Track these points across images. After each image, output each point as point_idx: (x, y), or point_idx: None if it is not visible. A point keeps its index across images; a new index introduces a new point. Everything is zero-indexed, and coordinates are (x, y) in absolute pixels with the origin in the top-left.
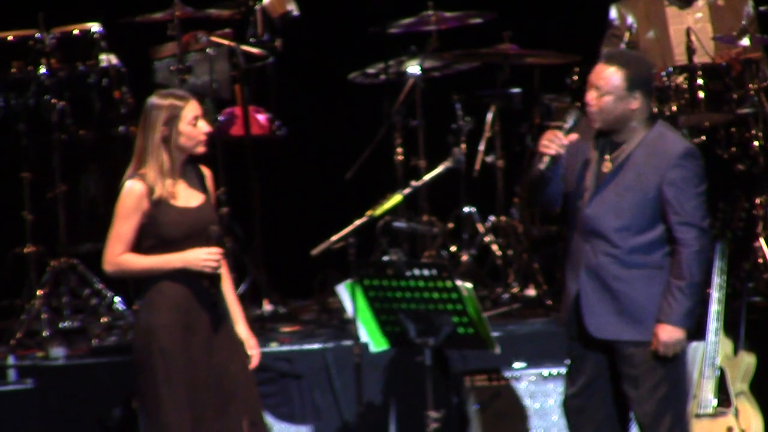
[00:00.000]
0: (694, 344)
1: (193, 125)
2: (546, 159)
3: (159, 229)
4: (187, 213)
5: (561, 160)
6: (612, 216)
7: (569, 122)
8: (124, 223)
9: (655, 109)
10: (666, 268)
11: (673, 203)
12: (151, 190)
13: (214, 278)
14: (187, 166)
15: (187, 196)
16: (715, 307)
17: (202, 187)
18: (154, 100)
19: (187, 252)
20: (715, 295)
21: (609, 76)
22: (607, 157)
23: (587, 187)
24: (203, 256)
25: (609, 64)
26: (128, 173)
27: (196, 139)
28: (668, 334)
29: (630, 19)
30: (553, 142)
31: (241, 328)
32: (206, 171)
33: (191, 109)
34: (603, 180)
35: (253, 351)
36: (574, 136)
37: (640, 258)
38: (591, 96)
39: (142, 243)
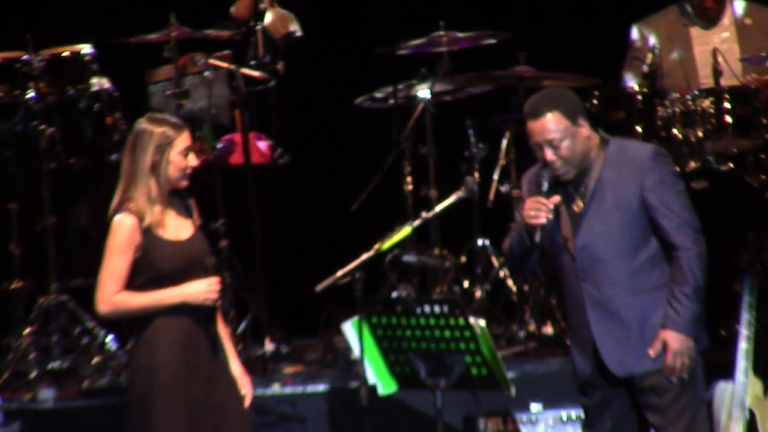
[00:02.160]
0: (722, 384)
1: (183, 156)
2: (537, 230)
3: (153, 264)
4: (180, 246)
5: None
6: (605, 243)
7: (545, 184)
8: (118, 260)
9: (680, 135)
10: None
11: (659, 207)
12: (140, 220)
13: (213, 311)
14: (172, 197)
15: (177, 228)
16: (743, 345)
17: (189, 216)
18: (146, 124)
19: (187, 285)
20: (744, 332)
21: (551, 123)
22: (575, 196)
23: (567, 234)
24: (204, 288)
25: (540, 115)
26: (115, 202)
27: (183, 171)
28: (678, 341)
29: (652, 40)
30: (541, 211)
31: (234, 365)
32: (191, 200)
33: (184, 139)
34: (582, 215)
35: (246, 389)
36: (557, 198)
37: (645, 280)
38: (549, 154)
39: (135, 279)
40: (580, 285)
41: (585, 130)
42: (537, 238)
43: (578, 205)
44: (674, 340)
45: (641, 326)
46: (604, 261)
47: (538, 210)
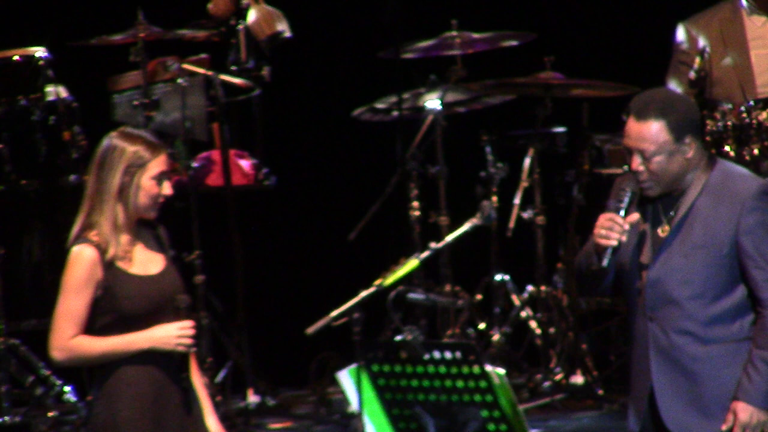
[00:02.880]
0: None
1: (157, 183)
2: (608, 253)
3: (117, 303)
4: (148, 282)
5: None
6: (681, 282)
7: (626, 197)
8: (75, 299)
9: (732, 153)
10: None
11: (753, 255)
12: (103, 252)
13: (185, 359)
14: (140, 226)
15: (146, 261)
16: None
17: (160, 248)
18: (117, 139)
19: (154, 329)
20: None
21: (650, 133)
22: (663, 219)
23: (645, 261)
24: (175, 333)
25: (643, 119)
26: (76, 229)
27: (154, 200)
28: (748, 414)
29: (702, 42)
30: (613, 231)
31: (211, 421)
32: (162, 229)
33: (159, 163)
34: (663, 243)
35: None
36: (635, 216)
37: (722, 330)
38: (636, 163)
39: (96, 321)
40: (647, 324)
41: (690, 151)
42: (605, 262)
43: (664, 229)
44: (744, 411)
45: (710, 382)
46: (677, 303)
47: (610, 229)
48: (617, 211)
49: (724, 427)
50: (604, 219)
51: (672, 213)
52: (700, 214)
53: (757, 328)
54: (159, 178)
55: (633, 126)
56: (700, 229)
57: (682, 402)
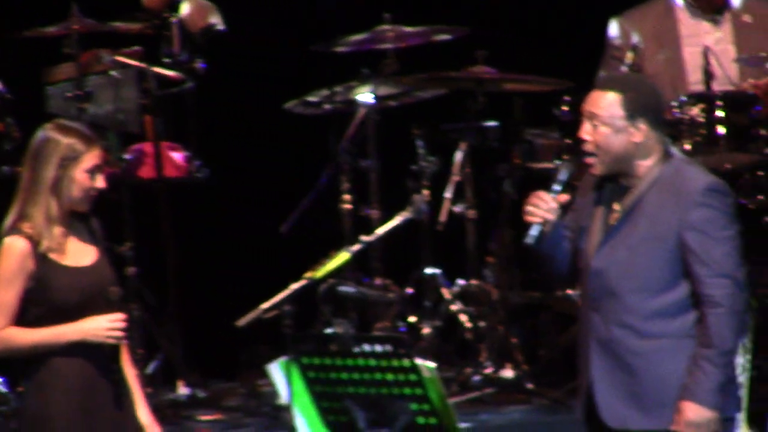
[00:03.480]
0: None
1: (90, 176)
2: (534, 230)
3: (49, 295)
4: (80, 273)
5: (559, 225)
6: (623, 275)
7: (560, 178)
8: (6, 290)
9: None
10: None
11: (697, 252)
12: (36, 245)
13: (116, 351)
14: (73, 218)
15: (78, 253)
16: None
17: (93, 240)
18: (52, 132)
19: (85, 321)
20: (738, 379)
21: (604, 103)
22: (616, 206)
23: (592, 249)
24: (106, 325)
25: (604, 88)
26: (9, 221)
27: (86, 192)
28: (695, 413)
29: (635, 37)
30: (539, 208)
31: (142, 413)
32: (95, 221)
33: (93, 156)
34: (609, 234)
35: None
36: (565, 197)
37: (662, 325)
38: (585, 130)
39: (27, 313)
40: (590, 315)
41: (640, 134)
42: (529, 239)
43: (614, 217)
44: (690, 410)
45: (648, 377)
46: (618, 296)
47: (536, 207)
48: (551, 190)
49: (673, 428)
50: (533, 197)
51: (623, 204)
52: (647, 208)
53: (700, 327)
54: (92, 171)
55: (593, 94)
56: (646, 222)
57: (619, 395)
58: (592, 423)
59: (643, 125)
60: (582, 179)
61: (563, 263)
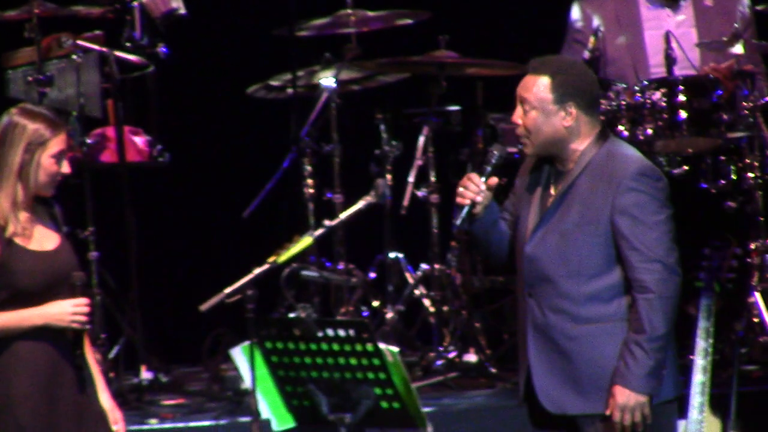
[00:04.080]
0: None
1: (56, 161)
2: (463, 212)
3: (12, 279)
4: (44, 258)
5: (493, 208)
6: (556, 260)
7: (492, 160)
8: None
9: (626, 132)
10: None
11: (627, 236)
12: (1, 230)
13: (80, 336)
14: (35, 203)
15: (42, 237)
16: (699, 378)
17: (54, 225)
18: (18, 116)
19: (49, 305)
20: (700, 362)
21: (534, 87)
22: (552, 191)
23: (527, 233)
24: (70, 309)
25: (536, 72)
26: None
27: (53, 178)
28: (625, 397)
29: (596, 21)
30: (469, 189)
31: (104, 398)
32: (56, 207)
33: (59, 141)
34: (541, 220)
35: (118, 426)
36: (495, 180)
37: (597, 310)
38: (517, 113)
39: None
40: (525, 299)
41: (569, 119)
42: (458, 221)
43: (549, 202)
44: (621, 395)
45: (584, 361)
46: (552, 282)
47: (466, 188)
48: (482, 172)
49: (607, 412)
50: (464, 179)
51: (558, 187)
52: (579, 193)
53: (632, 312)
54: (59, 157)
55: (525, 78)
56: (578, 207)
57: (556, 380)
58: (533, 407)
59: (573, 109)
60: (522, 162)
61: (501, 247)
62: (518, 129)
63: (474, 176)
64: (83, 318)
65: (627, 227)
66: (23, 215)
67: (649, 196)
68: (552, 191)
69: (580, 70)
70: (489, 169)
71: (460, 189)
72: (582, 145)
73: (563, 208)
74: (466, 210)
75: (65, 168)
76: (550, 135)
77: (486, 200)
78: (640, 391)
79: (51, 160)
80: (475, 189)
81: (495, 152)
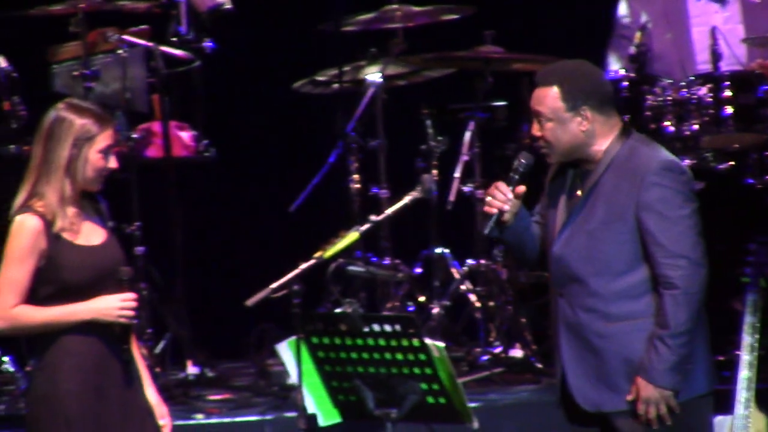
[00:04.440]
0: (719, 418)
1: (103, 156)
2: (491, 220)
3: (60, 274)
4: (91, 253)
5: (523, 214)
6: (584, 259)
7: (519, 168)
8: (18, 268)
9: (672, 128)
10: None
11: (653, 231)
12: (49, 223)
13: (127, 331)
14: (82, 198)
15: (89, 232)
16: (745, 373)
17: (101, 220)
18: (65, 111)
19: (96, 300)
20: (746, 358)
21: (544, 98)
22: (578, 191)
23: (554, 234)
24: (117, 304)
25: (543, 84)
26: (20, 199)
27: (99, 173)
28: (649, 391)
29: (643, 17)
30: (496, 198)
31: (150, 392)
32: (102, 202)
33: (107, 136)
34: (567, 220)
35: (164, 421)
36: (521, 188)
37: (627, 307)
38: (535, 128)
39: (38, 291)
40: (557, 300)
41: (584, 122)
42: (486, 229)
43: (577, 200)
44: (644, 388)
45: (617, 358)
46: (581, 281)
47: (493, 197)
48: (509, 181)
49: (629, 398)
50: (492, 187)
51: (584, 187)
52: (603, 191)
53: (657, 307)
54: (106, 152)
55: (535, 91)
56: (603, 205)
57: (590, 378)
58: (569, 406)
59: (587, 112)
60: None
61: (533, 250)
62: (539, 141)
63: (501, 185)
64: (130, 313)
65: (652, 223)
66: (71, 210)
67: (674, 190)
68: (578, 192)
69: (586, 72)
70: (516, 177)
71: (488, 198)
72: (604, 144)
73: (588, 207)
74: (494, 218)
75: (112, 163)
76: (569, 142)
77: (514, 208)
78: (662, 386)
79: (98, 155)
80: (502, 198)
81: (522, 160)
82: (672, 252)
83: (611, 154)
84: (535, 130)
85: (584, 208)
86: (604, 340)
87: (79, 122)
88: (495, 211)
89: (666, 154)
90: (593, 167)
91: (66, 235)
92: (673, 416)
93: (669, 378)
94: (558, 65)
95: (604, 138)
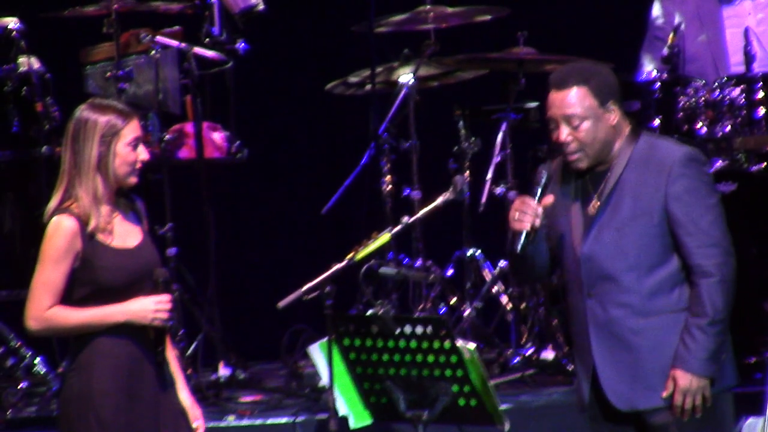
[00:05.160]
0: (751, 420)
1: (132, 148)
2: (521, 237)
3: (95, 275)
4: (127, 254)
5: (541, 229)
6: (614, 256)
7: (540, 180)
8: (54, 269)
9: (705, 129)
10: None
11: (683, 222)
12: (84, 225)
13: (161, 333)
14: (118, 198)
15: (124, 233)
16: None
17: (137, 220)
18: (88, 111)
19: (131, 302)
20: None
21: (574, 99)
22: (592, 192)
23: (576, 240)
24: (152, 307)
25: (564, 87)
26: (54, 203)
27: (132, 166)
28: (687, 381)
29: (677, 18)
30: (526, 214)
31: (184, 395)
32: (139, 202)
33: (133, 128)
34: (594, 219)
35: (198, 423)
36: (549, 199)
37: (660, 301)
38: (564, 132)
39: (73, 292)
40: (584, 301)
41: (614, 117)
42: (518, 246)
43: (594, 206)
44: (683, 378)
45: (652, 354)
46: (612, 277)
47: (523, 213)
48: (533, 194)
49: (664, 394)
50: (517, 203)
51: (601, 187)
52: (627, 187)
53: (692, 295)
54: (134, 144)
55: (556, 96)
56: (629, 201)
57: (624, 376)
58: (602, 407)
59: (614, 106)
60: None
61: (545, 261)
62: (570, 147)
63: (529, 200)
64: (165, 315)
65: (682, 213)
66: (105, 209)
67: (700, 180)
68: (591, 194)
69: (601, 69)
70: (539, 189)
71: (516, 215)
72: (621, 139)
73: (614, 204)
74: (525, 234)
75: (143, 154)
76: (604, 139)
77: (542, 221)
78: (701, 374)
79: (127, 148)
80: (533, 213)
81: (543, 172)
82: (705, 241)
83: (628, 150)
84: (563, 136)
85: (609, 205)
86: (637, 335)
87: (103, 119)
88: (527, 226)
89: (687, 146)
90: (606, 168)
91: (101, 237)
92: (705, 408)
93: (707, 366)
94: (572, 67)
95: (622, 134)
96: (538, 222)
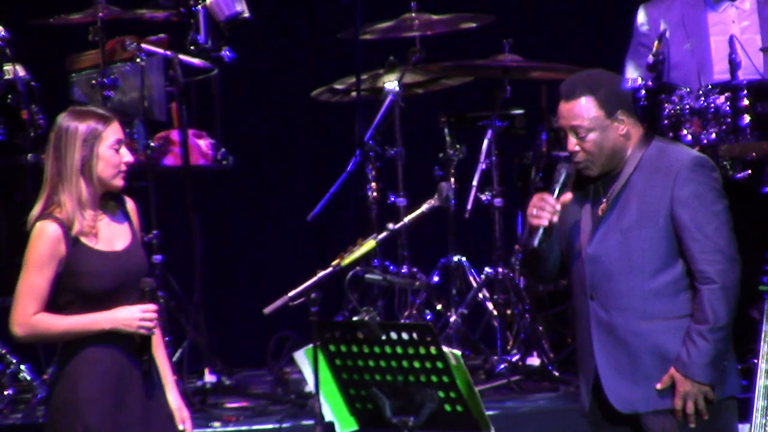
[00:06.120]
0: (738, 427)
1: (115, 150)
2: (538, 233)
3: (79, 281)
4: (113, 258)
5: (556, 227)
6: (619, 258)
7: (559, 178)
8: (38, 275)
9: (690, 137)
10: None
11: (688, 227)
12: (67, 230)
13: (147, 341)
14: (106, 200)
15: (111, 236)
16: (762, 382)
17: (127, 221)
18: (68, 120)
19: (117, 310)
20: (763, 366)
21: (582, 109)
22: (602, 195)
23: (584, 240)
24: (137, 315)
25: (572, 98)
26: (37, 209)
27: (117, 168)
28: (687, 386)
29: (662, 25)
30: (544, 210)
31: (172, 397)
32: (130, 202)
33: (114, 131)
34: (601, 221)
35: (184, 426)
36: (568, 196)
37: (663, 305)
38: (572, 143)
39: (58, 298)
40: (588, 303)
41: (623, 126)
42: (535, 242)
43: (602, 208)
44: (682, 383)
45: (653, 358)
46: (616, 280)
47: (541, 209)
48: (551, 191)
49: (658, 386)
50: (536, 199)
51: (609, 191)
52: (635, 190)
53: (695, 301)
54: (117, 146)
55: (563, 106)
56: (636, 204)
57: (625, 379)
58: (603, 411)
59: (623, 116)
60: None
61: (557, 261)
62: (577, 157)
63: (548, 196)
64: (151, 324)
65: (688, 218)
66: (89, 213)
67: (707, 186)
68: (602, 195)
69: (609, 77)
70: (558, 187)
71: (534, 210)
72: (632, 145)
73: (620, 206)
74: (542, 230)
75: (126, 156)
76: (611, 149)
77: (559, 218)
78: (701, 380)
79: (110, 150)
80: (551, 209)
81: (562, 170)
82: (708, 247)
83: (638, 154)
84: (572, 145)
85: (616, 208)
86: (639, 338)
87: (83, 125)
88: (545, 222)
89: (696, 152)
90: (617, 171)
91: (85, 240)
92: (709, 414)
93: (708, 372)
94: (580, 76)
95: (633, 140)
96: (555, 219)
